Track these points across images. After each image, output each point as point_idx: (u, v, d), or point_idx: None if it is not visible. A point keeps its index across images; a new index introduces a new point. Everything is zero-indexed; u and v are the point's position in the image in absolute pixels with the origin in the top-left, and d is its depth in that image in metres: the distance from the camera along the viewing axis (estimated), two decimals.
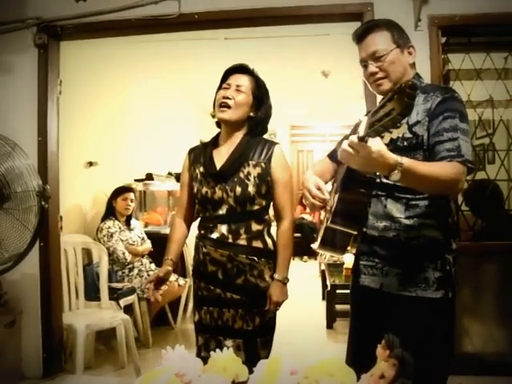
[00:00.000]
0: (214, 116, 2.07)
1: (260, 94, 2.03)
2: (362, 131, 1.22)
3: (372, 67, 1.63)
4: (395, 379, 0.90)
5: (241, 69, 2.04)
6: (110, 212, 3.97)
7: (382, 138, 1.20)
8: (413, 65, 1.69)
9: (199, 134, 7.10)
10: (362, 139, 1.22)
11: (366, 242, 1.70)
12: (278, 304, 1.96)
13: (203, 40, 3.93)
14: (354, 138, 1.24)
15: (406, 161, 1.30)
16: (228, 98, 1.96)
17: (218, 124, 2.10)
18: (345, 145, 1.28)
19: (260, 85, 2.04)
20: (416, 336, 1.49)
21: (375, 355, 1.00)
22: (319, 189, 1.69)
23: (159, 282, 1.99)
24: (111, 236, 3.81)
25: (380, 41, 1.62)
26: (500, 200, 2.98)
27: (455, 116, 1.51)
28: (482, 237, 2.85)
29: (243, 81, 2.00)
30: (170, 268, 2.02)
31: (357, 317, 1.81)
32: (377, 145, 1.23)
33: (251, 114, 2.01)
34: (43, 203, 2.42)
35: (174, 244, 2.10)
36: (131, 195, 4.03)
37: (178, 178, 5.35)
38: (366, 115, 1.29)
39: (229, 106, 1.96)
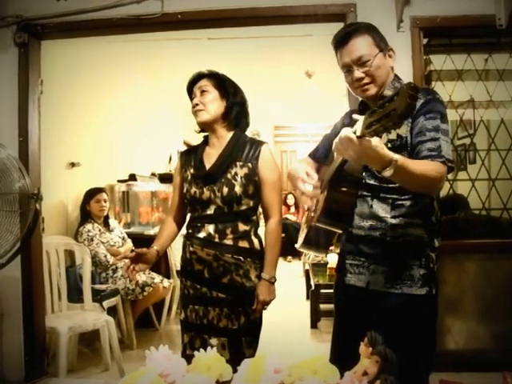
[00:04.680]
0: (199, 132, 2.13)
1: (223, 85, 2.06)
2: (358, 131, 1.23)
3: (358, 73, 1.61)
4: (378, 376, 0.91)
5: (198, 77, 2.09)
6: (86, 216, 3.90)
7: (380, 137, 1.22)
8: (391, 67, 1.70)
9: (183, 135, 7.08)
10: (361, 138, 1.23)
11: (351, 242, 1.72)
12: (265, 303, 1.98)
13: (186, 40, 3.92)
14: (352, 135, 1.25)
15: (400, 158, 1.32)
16: (196, 105, 2.03)
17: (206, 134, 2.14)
18: (342, 136, 1.28)
19: (221, 79, 2.07)
20: (401, 332, 1.52)
21: (359, 353, 1.01)
22: (308, 175, 1.69)
23: (137, 259, 1.97)
24: (91, 239, 3.76)
25: (363, 46, 1.61)
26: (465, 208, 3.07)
27: (436, 117, 1.54)
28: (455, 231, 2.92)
29: (203, 83, 2.05)
30: (152, 252, 2.02)
31: (341, 315, 1.84)
32: (375, 140, 1.24)
33: (225, 105, 2.05)
34: (36, 205, 2.41)
35: (162, 238, 2.13)
36: (104, 195, 3.96)
37: (161, 178, 5.34)
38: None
39: (201, 110, 2.02)
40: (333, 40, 1.70)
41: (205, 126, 2.07)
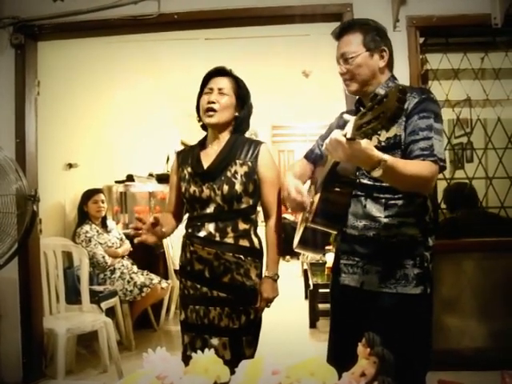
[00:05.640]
0: (199, 120, 2.10)
1: (242, 94, 2.06)
2: (349, 133, 1.24)
3: (341, 68, 1.68)
4: (376, 377, 0.91)
5: (220, 72, 2.06)
6: (84, 217, 3.89)
7: (370, 139, 1.23)
8: (386, 67, 1.70)
9: (180, 135, 7.08)
10: (351, 140, 1.24)
11: (346, 242, 1.72)
12: (269, 300, 1.99)
13: (183, 40, 3.91)
14: (341, 138, 1.26)
15: (389, 158, 1.34)
16: (213, 102, 1.99)
17: (204, 127, 2.12)
18: (332, 138, 1.30)
19: (240, 85, 2.07)
20: (396, 331, 1.52)
21: (356, 353, 1.01)
22: (299, 192, 1.71)
23: (153, 226, 1.87)
24: (89, 240, 3.76)
25: (350, 43, 1.66)
26: (475, 200, 3.03)
27: (430, 116, 1.56)
28: (454, 230, 2.90)
29: (224, 83, 2.03)
30: (160, 229, 1.91)
31: (337, 316, 1.84)
32: (365, 142, 1.26)
33: (236, 114, 2.04)
34: (34, 207, 2.40)
35: (165, 223, 2.03)
36: (101, 196, 3.96)
37: (159, 179, 5.33)
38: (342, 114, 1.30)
39: (215, 110, 1.99)
40: (331, 34, 1.75)
41: (211, 127, 2.06)
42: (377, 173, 1.32)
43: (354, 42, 1.65)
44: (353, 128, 1.21)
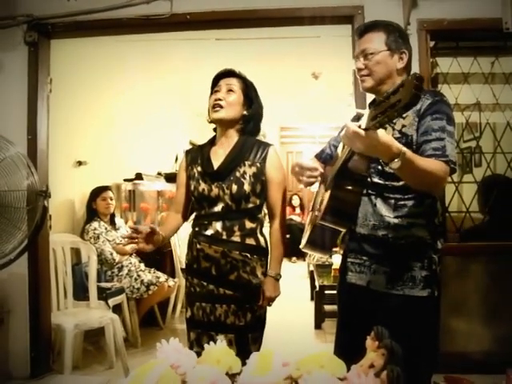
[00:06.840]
0: (210, 122, 2.13)
1: (249, 93, 2.10)
2: (363, 123, 1.24)
3: (359, 63, 1.70)
4: (384, 368, 0.92)
5: (229, 73, 2.11)
6: (92, 214, 3.93)
7: (385, 129, 1.23)
8: (404, 70, 1.72)
9: (189, 135, 7.10)
10: (366, 130, 1.26)
11: (354, 240, 1.73)
12: (271, 299, 2.02)
13: (194, 40, 3.94)
14: (357, 129, 1.28)
15: (408, 151, 1.35)
16: (220, 100, 2.04)
17: (215, 129, 2.16)
18: (349, 130, 1.31)
19: (248, 85, 2.12)
20: (402, 333, 1.51)
21: (363, 350, 1.02)
22: (307, 162, 1.77)
23: (147, 236, 1.91)
24: (98, 237, 3.79)
25: (373, 40, 1.68)
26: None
27: (443, 118, 1.57)
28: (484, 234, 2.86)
29: (232, 82, 2.08)
30: (158, 236, 1.95)
31: (344, 314, 1.85)
32: (381, 131, 1.28)
33: (244, 113, 2.08)
34: (45, 202, 2.44)
35: (167, 227, 2.13)
36: (109, 193, 4.00)
37: (167, 178, 5.36)
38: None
39: (221, 106, 2.03)
40: (355, 31, 1.81)
41: (218, 123, 2.09)
42: (395, 164, 1.32)
43: (377, 40, 1.68)
44: (368, 118, 1.22)
